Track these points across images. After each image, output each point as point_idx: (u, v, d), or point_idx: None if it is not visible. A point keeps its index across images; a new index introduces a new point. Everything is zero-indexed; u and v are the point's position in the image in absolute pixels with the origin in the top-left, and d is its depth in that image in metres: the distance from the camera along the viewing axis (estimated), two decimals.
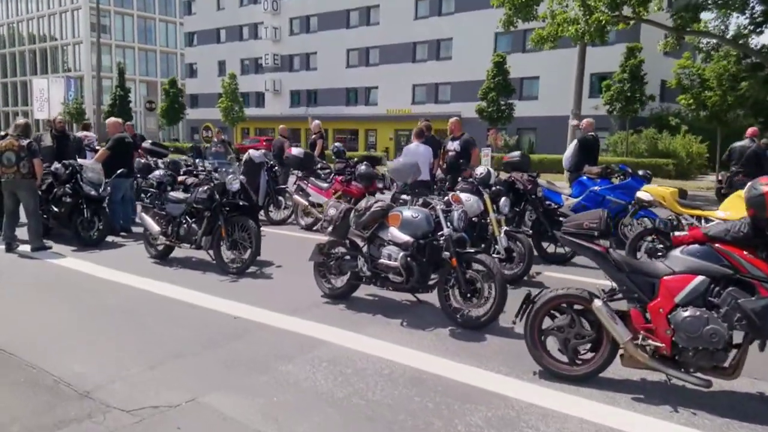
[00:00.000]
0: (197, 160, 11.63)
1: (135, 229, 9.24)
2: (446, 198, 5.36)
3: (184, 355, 4.29)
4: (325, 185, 9.43)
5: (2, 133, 8.82)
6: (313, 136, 13.09)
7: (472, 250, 4.94)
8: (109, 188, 8.58)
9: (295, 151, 9.95)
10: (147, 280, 6.43)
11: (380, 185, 8.92)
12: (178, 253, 7.56)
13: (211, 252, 7.04)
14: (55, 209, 8.40)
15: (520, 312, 3.93)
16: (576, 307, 3.79)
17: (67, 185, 8.32)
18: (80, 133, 10.86)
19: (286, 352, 4.32)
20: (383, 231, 5.26)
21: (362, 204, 5.41)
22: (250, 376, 3.92)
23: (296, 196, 9.76)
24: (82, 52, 64.65)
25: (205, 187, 6.97)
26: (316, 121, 13.30)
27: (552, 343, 3.88)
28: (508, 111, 29.04)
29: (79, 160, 8.71)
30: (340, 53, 43.77)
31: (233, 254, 6.78)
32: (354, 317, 5.17)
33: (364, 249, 5.39)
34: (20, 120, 7.96)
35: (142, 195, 9.09)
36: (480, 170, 6.42)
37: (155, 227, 7.24)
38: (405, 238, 4.99)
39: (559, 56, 33.78)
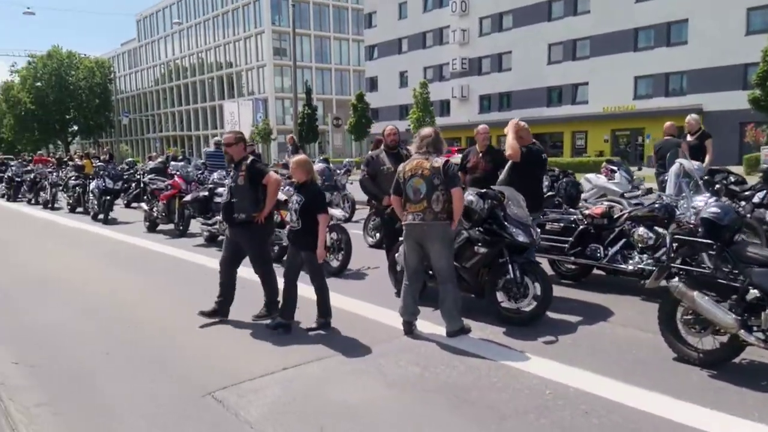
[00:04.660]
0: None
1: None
2: None
3: None
4: None
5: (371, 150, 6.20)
6: (690, 138, 9.28)
7: None
8: (538, 231, 5.49)
9: None
10: None
11: None
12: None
13: None
14: (455, 263, 5.46)
15: None
16: None
17: (479, 228, 5.35)
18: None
19: None
20: None
21: None
22: None
23: None
24: (266, 74, 67.05)
25: None
26: (694, 115, 9.48)
27: None
28: None
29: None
30: (540, 49, 39.53)
31: None
32: None
33: None
34: (426, 129, 5.11)
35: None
36: None
37: (725, 316, 3.86)
38: None
39: None
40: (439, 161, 4.90)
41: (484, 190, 5.42)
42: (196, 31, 76.68)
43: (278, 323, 5.29)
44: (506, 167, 6.05)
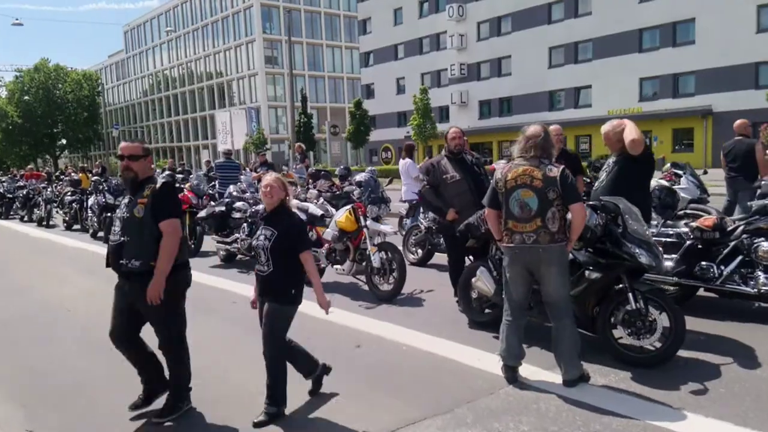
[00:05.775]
0: None
1: None
2: None
3: None
4: None
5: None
6: None
7: None
8: (661, 250, 4.55)
9: None
10: None
11: None
12: None
13: None
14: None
15: None
16: None
17: (588, 248, 4.41)
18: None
19: None
20: None
21: None
22: None
23: None
24: (258, 83, 66.05)
25: None
26: None
27: None
28: None
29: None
30: (541, 53, 38.87)
31: None
32: None
33: None
34: (532, 128, 4.18)
35: None
36: None
37: None
38: None
39: None
40: (554, 170, 3.97)
41: (599, 201, 4.48)
42: (185, 41, 75.49)
43: (269, 415, 3.66)
44: (608, 173, 5.10)
